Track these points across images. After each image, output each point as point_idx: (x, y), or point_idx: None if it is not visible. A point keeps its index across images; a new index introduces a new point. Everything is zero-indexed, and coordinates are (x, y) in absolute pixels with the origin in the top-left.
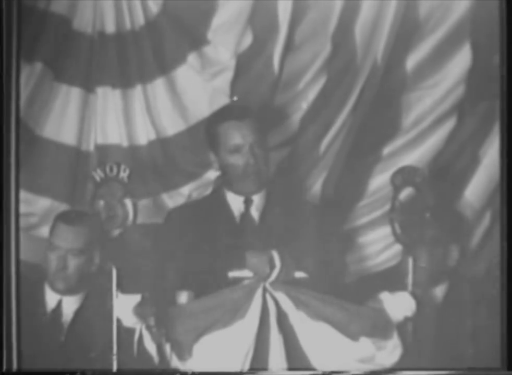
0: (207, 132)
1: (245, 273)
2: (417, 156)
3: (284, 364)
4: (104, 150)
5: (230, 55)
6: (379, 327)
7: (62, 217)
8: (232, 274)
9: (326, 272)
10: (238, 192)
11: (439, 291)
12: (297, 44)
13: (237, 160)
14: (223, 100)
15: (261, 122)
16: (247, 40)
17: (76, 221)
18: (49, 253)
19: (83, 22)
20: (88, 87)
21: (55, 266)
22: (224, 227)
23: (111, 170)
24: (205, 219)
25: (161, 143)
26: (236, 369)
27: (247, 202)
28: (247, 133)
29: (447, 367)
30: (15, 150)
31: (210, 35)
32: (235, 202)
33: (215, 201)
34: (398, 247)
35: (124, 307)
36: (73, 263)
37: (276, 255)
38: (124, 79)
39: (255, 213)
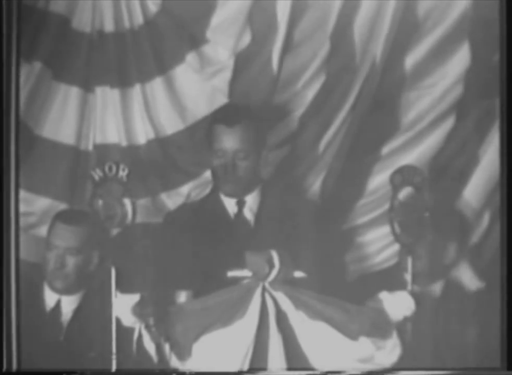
0: (206, 129)
1: (244, 272)
2: (416, 155)
3: (283, 364)
4: (102, 150)
5: (228, 54)
6: (379, 327)
7: (60, 217)
8: (231, 273)
9: (325, 272)
10: (223, 193)
11: (439, 291)
12: (296, 43)
13: (219, 164)
14: (221, 99)
15: (255, 126)
16: (246, 39)
17: (74, 220)
18: (47, 253)
19: (82, 21)
20: (87, 86)
21: (53, 265)
22: (222, 227)
23: (110, 169)
24: (204, 219)
25: (160, 142)
26: (236, 368)
27: (240, 204)
28: (234, 140)
29: (446, 367)
30: (14, 149)
31: (209, 34)
32: (229, 203)
33: (212, 201)
34: (397, 247)
35: (123, 307)
36: (71, 262)
37: (275, 255)
38: (123, 79)
39: (248, 213)
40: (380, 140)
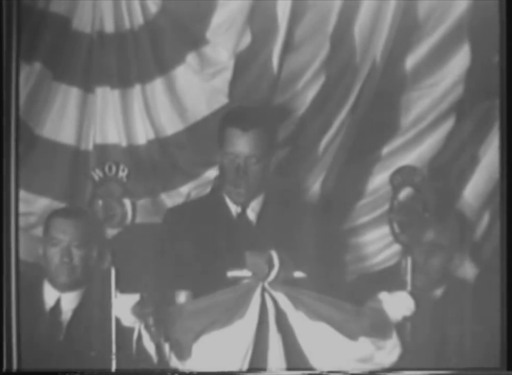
0: (218, 128)
1: (244, 272)
2: (416, 156)
3: (283, 364)
4: (102, 150)
5: (229, 55)
6: (378, 327)
7: (58, 213)
8: (231, 273)
9: (325, 272)
10: (230, 198)
11: (438, 291)
12: (296, 44)
13: (230, 168)
14: (222, 100)
15: (268, 131)
16: (246, 40)
17: (73, 214)
18: (50, 249)
19: (82, 22)
20: (87, 87)
21: (59, 259)
22: (223, 227)
23: (110, 169)
24: (204, 218)
25: (160, 143)
26: (235, 368)
27: (243, 204)
28: (248, 145)
29: (446, 367)
30: (14, 150)
31: (209, 35)
32: (232, 203)
33: (214, 201)
34: (396, 247)
35: (123, 307)
36: (77, 254)
37: (275, 255)
38: (123, 79)
39: (251, 214)
40: (380, 140)
